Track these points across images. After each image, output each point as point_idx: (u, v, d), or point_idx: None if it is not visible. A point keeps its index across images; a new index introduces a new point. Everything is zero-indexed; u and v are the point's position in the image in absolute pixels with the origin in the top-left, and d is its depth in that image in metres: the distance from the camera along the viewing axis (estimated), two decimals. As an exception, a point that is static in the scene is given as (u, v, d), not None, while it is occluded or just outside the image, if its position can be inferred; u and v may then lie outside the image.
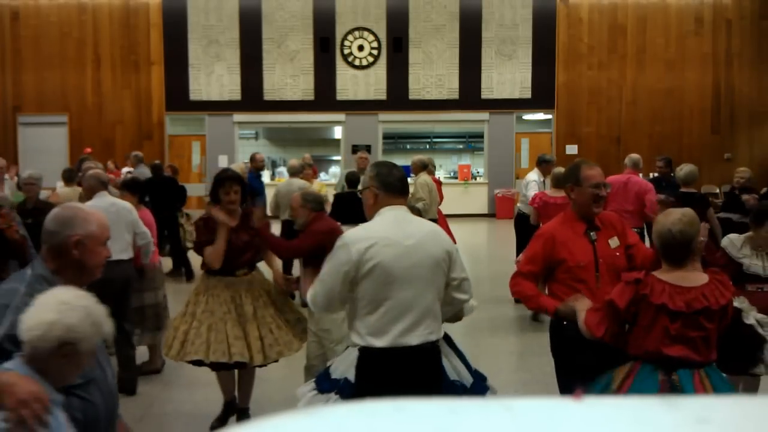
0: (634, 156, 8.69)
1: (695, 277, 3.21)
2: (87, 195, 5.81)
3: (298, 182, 8.81)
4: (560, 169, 8.04)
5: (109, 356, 2.74)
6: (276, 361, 4.73)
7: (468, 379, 3.45)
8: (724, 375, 3.41)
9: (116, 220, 5.48)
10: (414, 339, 3.12)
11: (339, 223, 5.28)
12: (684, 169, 7.78)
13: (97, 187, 5.69)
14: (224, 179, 4.78)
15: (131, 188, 6.35)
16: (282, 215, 8.88)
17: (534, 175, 8.64)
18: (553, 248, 3.72)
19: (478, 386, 3.49)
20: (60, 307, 2.18)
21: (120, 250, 5.47)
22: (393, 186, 3.22)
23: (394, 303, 3.10)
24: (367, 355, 3.13)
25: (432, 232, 3.25)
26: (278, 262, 5.25)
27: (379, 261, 3.06)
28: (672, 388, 3.12)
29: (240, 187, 4.80)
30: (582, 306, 3.44)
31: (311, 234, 4.92)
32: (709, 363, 3.21)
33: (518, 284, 3.80)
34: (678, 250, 3.18)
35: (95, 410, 2.43)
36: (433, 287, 3.18)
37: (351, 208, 7.24)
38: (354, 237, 3.12)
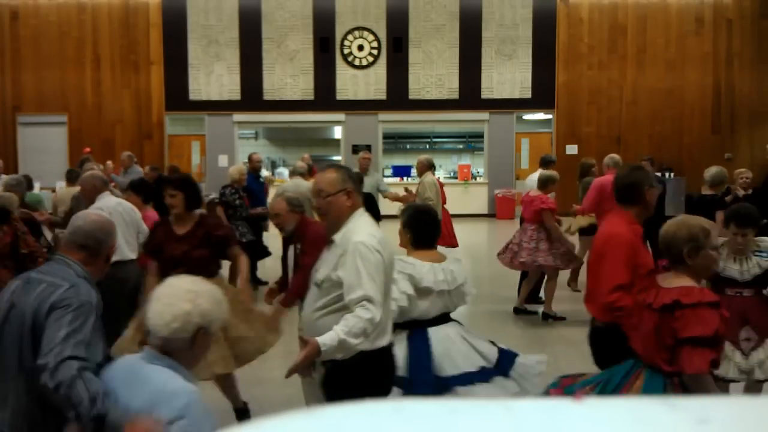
0: (615, 156, 8.90)
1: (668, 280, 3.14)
2: (89, 196, 5.72)
3: (306, 184, 8.43)
4: (547, 172, 8.27)
5: None
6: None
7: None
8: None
9: (128, 220, 5.59)
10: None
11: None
12: (710, 171, 7.58)
13: (101, 187, 5.69)
14: (163, 182, 4.63)
15: (136, 189, 6.35)
16: None
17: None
18: (635, 254, 3.63)
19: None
20: (190, 296, 2.29)
21: (131, 249, 5.57)
22: (359, 189, 3.33)
23: (388, 302, 3.25)
24: (370, 357, 3.04)
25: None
26: (245, 273, 4.80)
27: (390, 260, 3.24)
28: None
29: (181, 192, 4.58)
30: None
31: (314, 245, 4.70)
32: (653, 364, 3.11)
33: (621, 298, 3.53)
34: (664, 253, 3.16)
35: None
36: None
37: None
38: (377, 241, 3.13)
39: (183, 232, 4.62)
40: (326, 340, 2.85)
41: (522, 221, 8.22)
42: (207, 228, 4.68)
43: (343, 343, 2.86)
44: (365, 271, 2.96)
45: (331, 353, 2.89)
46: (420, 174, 9.12)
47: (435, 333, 3.91)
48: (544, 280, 8.19)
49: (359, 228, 3.12)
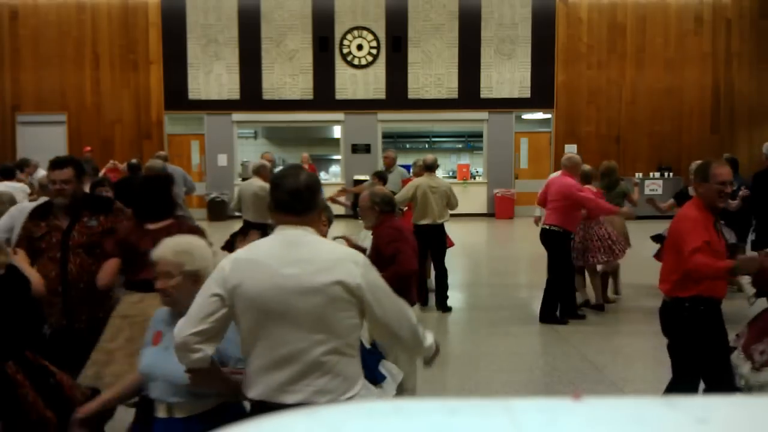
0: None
1: None
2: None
3: (259, 183, 8.32)
4: (588, 166, 8.16)
5: None
6: None
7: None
8: None
9: None
10: (289, 397, 2.46)
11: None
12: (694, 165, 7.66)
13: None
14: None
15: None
16: (245, 214, 8.53)
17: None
18: (706, 228, 4.06)
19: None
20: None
21: None
22: (280, 201, 2.58)
23: (269, 344, 2.47)
24: (251, 408, 2.60)
25: (329, 260, 2.49)
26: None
27: (246, 289, 2.46)
28: None
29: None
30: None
31: (382, 242, 4.68)
32: None
33: (698, 258, 3.94)
34: None
35: None
36: (325, 332, 2.46)
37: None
38: (226, 259, 2.57)
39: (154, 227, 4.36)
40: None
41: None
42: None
43: None
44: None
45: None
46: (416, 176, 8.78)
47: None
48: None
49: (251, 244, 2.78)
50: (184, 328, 2.45)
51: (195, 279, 2.82)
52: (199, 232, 4.02)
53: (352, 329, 2.51)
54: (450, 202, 8.30)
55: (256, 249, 2.56)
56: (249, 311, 2.45)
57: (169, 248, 2.91)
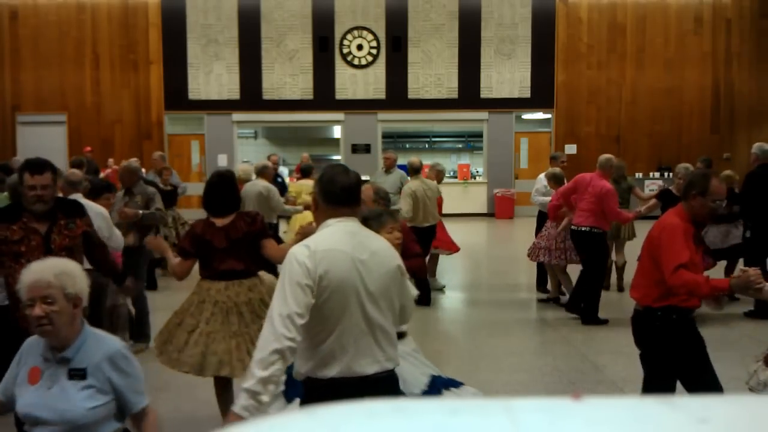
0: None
1: None
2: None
3: (262, 183, 8.62)
4: (556, 169, 8.60)
5: None
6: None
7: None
8: None
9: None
10: (369, 368, 2.74)
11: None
12: (682, 167, 8.05)
13: (66, 189, 5.59)
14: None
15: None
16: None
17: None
18: (687, 241, 3.87)
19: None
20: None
21: None
22: (333, 195, 2.83)
23: (350, 324, 2.73)
24: (319, 386, 2.76)
25: (384, 248, 2.87)
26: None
27: (333, 276, 2.70)
28: None
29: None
30: (756, 275, 3.61)
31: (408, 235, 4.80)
32: None
33: (684, 275, 3.77)
34: None
35: None
36: (389, 308, 2.83)
37: None
38: (301, 251, 2.74)
39: (222, 224, 4.58)
40: None
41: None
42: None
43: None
44: (281, 284, 2.70)
45: None
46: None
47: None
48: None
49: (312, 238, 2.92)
50: (283, 320, 2.57)
51: (75, 303, 2.63)
52: (259, 216, 4.58)
53: (396, 305, 2.90)
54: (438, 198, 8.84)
55: (328, 239, 2.76)
56: (335, 295, 2.69)
57: (47, 270, 2.62)
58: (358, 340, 2.73)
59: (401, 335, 3.51)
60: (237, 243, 4.44)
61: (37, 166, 4.01)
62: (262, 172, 8.81)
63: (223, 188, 4.71)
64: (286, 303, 2.60)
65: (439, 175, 9.28)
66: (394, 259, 2.86)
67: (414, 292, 3.30)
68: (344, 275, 2.69)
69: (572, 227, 7.65)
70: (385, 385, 2.76)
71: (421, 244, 7.51)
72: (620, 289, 8.81)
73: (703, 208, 3.85)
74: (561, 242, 8.00)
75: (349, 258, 2.71)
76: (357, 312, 2.72)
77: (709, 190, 3.83)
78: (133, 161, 8.87)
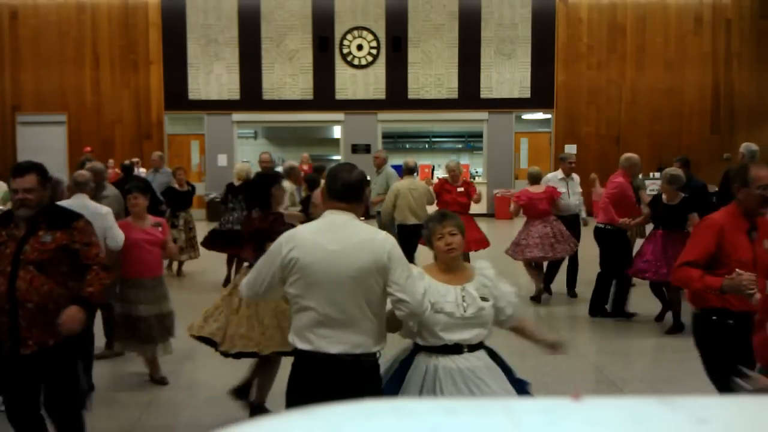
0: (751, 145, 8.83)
1: None
2: (69, 194, 5.64)
3: (287, 184, 8.77)
4: (535, 168, 8.90)
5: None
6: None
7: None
8: None
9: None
10: (333, 347, 3.00)
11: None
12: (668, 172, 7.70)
13: (72, 189, 5.62)
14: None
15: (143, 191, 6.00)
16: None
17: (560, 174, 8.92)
18: (722, 239, 3.82)
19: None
20: None
21: None
22: (333, 190, 3.15)
23: (317, 306, 3.02)
24: (297, 356, 3.13)
25: (366, 240, 3.05)
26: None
27: (299, 261, 3.01)
28: None
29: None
30: (749, 281, 3.54)
31: None
32: None
33: (683, 271, 3.79)
34: None
35: None
36: (360, 298, 3.02)
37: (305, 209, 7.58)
38: (285, 236, 3.16)
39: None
40: None
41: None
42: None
43: None
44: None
45: None
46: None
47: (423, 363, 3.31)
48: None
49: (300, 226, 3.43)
50: (247, 288, 3.22)
51: None
52: (271, 217, 4.89)
53: (380, 296, 3.06)
54: (429, 198, 9.04)
55: (309, 229, 3.17)
56: (303, 278, 3.01)
57: None
58: (326, 321, 3.00)
59: (476, 347, 3.46)
60: (249, 236, 4.92)
61: (20, 168, 3.74)
62: (289, 173, 8.77)
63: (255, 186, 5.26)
64: (256, 269, 3.17)
65: (452, 174, 9.16)
66: (373, 253, 3.01)
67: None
68: (310, 261, 2.99)
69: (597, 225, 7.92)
70: (351, 367, 3.00)
71: (407, 242, 7.81)
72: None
73: (751, 198, 3.81)
74: (551, 237, 8.21)
75: (320, 248, 3.00)
76: (324, 296, 2.99)
77: (749, 179, 3.81)
78: (134, 161, 8.90)
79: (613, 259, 7.63)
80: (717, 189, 9.38)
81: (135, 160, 13.48)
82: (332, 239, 3.02)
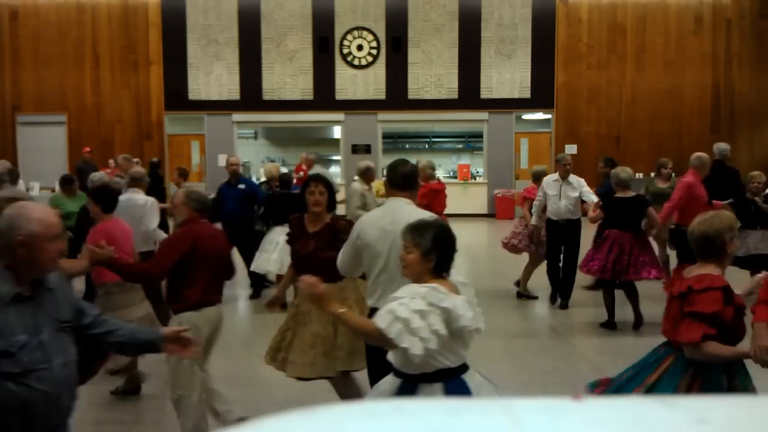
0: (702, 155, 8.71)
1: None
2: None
3: (359, 185, 8.67)
4: (541, 166, 9.12)
5: (68, 344, 2.76)
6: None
7: None
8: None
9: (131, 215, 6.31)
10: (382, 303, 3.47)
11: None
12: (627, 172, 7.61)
13: (130, 183, 6.96)
14: (309, 179, 4.83)
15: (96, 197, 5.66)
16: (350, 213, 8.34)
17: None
18: None
19: None
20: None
21: (139, 243, 6.08)
22: (393, 181, 3.93)
23: (378, 272, 3.81)
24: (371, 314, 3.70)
25: (411, 219, 3.38)
26: None
27: (365, 240, 3.83)
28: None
29: (327, 191, 4.65)
30: None
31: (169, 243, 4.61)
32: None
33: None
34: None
35: (33, 398, 2.57)
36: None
37: (283, 208, 7.55)
38: (357, 222, 4.02)
39: (314, 230, 4.62)
40: None
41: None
42: (336, 229, 4.58)
43: None
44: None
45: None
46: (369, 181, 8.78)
47: (471, 381, 3.22)
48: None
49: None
50: (340, 258, 4.05)
51: None
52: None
53: None
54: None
55: (372, 213, 4.09)
56: (366, 250, 3.87)
57: None
58: (385, 282, 3.76)
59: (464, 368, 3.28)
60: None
61: None
62: (364, 174, 8.70)
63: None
64: (343, 250, 4.05)
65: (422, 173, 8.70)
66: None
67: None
68: (371, 238, 3.83)
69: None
70: None
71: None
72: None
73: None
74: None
75: (378, 227, 3.83)
76: (381, 263, 3.81)
77: None
78: (134, 161, 8.97)
79: (691, 260, 7.54)
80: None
81: (135, 160, 13.48)
82: (391, 220, 3.74)
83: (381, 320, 2.95)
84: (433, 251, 3.15)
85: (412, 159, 9.73)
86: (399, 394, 3.06)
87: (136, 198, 6.70)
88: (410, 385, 3.07)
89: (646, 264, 7.20)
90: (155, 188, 10.11)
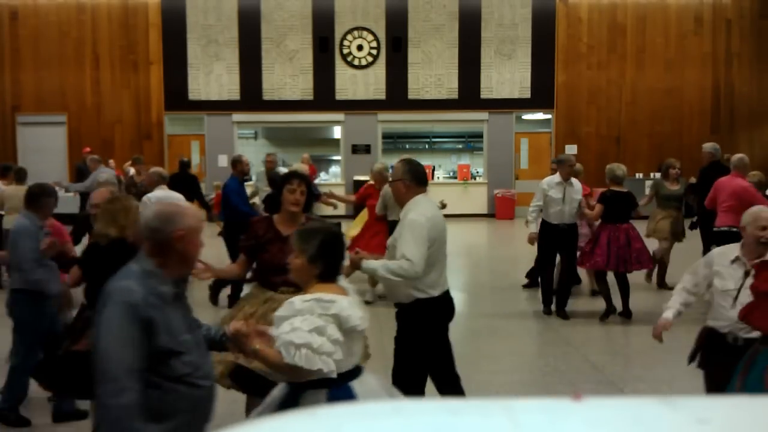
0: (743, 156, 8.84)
1: None
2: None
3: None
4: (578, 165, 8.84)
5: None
6: None
7: None
8: None
9: None
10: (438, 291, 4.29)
11: None
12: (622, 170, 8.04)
13: (157, 181, 7.58)
14: (289, 176, 4.39)
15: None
16: (391, 215, 7.87)
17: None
18: None
19: None
20: None
21: None
22: (419, 178, 4.32)
23: (441, 259, 4.31)
24: (425, 304, 4.21)
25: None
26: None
27: (435, 231, 4.20)
28: None
29: (306, 189, 4.27)
30: None
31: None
32: None
33: None
34: None
35: (201, 396, 2.68)
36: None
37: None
38: (424, 216, 4.23)
39: (288, 233, 3.82)
40: (370, 264, 4.16)
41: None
42: None
43: (376, 271, 4.14)
44: (411, 239, 4.08)
45: (368, 270, 4.22)
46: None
47: (359, 387, 3.04)
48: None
49: (413, 208, 4.21)
50: (419, 261, 4.09)
51: None
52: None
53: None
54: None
55: (429, 207, 4.31)
56: (436, 243, 4.21)
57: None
58: (443, 269, 4.34)
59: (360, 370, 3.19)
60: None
61: None
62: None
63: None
64: (416, 248, 4.09)
65: (376, 177, 8.67)
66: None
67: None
68: (440, 230, 4.25)
69: (714, 229, 7.84)
70: (450, 298, 4.46)
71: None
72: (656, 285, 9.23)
73: None
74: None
75: (441, 219, 4.31)
76: (444, 251, 4.31)
77: None
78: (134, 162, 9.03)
79: None
80: (695, 182, 9.66)
81: (135, 159, 13.50)
82: (437, 212, 4.31)
83: (286, 355, 2.84)
84: (318, 259, 3.05)
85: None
86: (284, 402, 2.99)
87: (171, 195, 7.41)
88: (295, 393, 2.99)
89: (643, 252, 7.62)
90: (188, 187, 10.08)
